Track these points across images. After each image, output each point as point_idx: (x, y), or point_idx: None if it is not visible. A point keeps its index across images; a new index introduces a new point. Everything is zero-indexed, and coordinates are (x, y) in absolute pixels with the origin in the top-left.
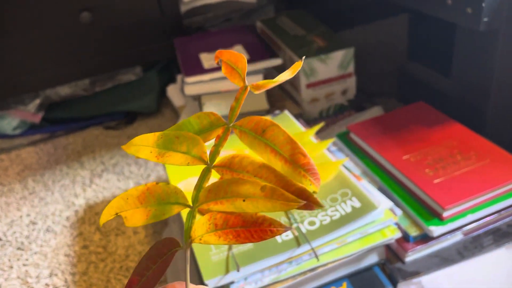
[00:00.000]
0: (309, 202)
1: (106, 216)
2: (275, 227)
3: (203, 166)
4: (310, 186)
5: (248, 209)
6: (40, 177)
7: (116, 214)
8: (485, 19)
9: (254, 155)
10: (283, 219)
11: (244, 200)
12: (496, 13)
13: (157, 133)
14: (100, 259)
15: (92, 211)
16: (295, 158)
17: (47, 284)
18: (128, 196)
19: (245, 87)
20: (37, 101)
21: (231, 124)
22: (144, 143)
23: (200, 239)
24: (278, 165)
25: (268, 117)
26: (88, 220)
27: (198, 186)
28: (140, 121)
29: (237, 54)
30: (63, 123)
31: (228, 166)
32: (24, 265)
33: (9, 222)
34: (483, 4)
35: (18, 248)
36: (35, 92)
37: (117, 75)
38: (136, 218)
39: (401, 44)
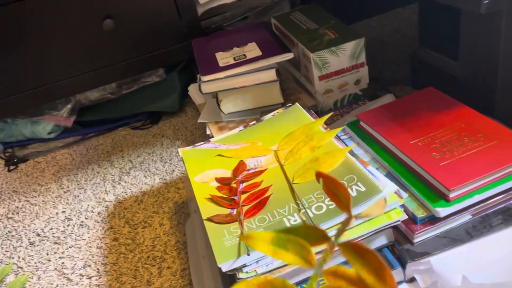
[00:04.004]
0: None
1: None
2: None
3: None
4: None
5: None
6: (74, 177)
7: None
8: (485, 1)
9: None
10: (292, 205)
11: None
12: None
13: (272, 233)
14: (129, 250)
15: (121, 206)
16: (385, 278)
17: (81, 275)
18: (248, 286)
19: (350, 217)
20: (69, 106)
21: (337, 242)
22: (262, 239)
23: None
24: (371, 280)
25: (365, 246)
26: (117, 214)
27: (310, 285)
28: (164, 120)
29: (340, 185)
30: (93, 126)
31: (333, 273)
32: (60, 257)
33: (47, 219)
34: None
35: (55, 243)
36: (67, 98)
37: (141, 78)
38: None
39: (413, 32)
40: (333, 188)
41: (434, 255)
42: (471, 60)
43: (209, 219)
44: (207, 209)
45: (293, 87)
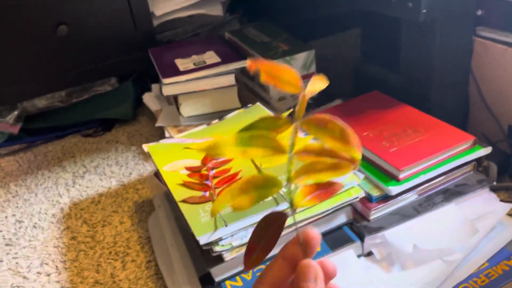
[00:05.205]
0: (355, 163)
1: (218, 208)
2: (338, 187)
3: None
4: (355, 153)
5: (322, 178)
6: (22, 182)
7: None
8: (424, 11)
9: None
10: None
11: (319, 173)
12: (432, 5)
13: (233, 136)
14: (89, 247)
15: (77, 208)
16: (348, 139)
17: (39, 272)
18: (231, 190)
19: (304, 94)
20: (15, 113)
21: (299, 121)
22: (226, 144)
23: (301, 204)
24: (337, 146)
25: (326, 115)
26: (74, 215)
27: (288, 171)
28: (118, 128)
29: (282, 68)
30: (41, 133)
31: (303, 151)
32: (14, 258)
33: None
34: None
35: (7, 244)
36: (13, 104)
37: (93, 86)
38: (243, 203)
39: (356, 53)
40: (276, 74)
41: (388, 229)
42: (410, 71)
43: (184, 201)
44: (180, 193)
45: (247, 95)
